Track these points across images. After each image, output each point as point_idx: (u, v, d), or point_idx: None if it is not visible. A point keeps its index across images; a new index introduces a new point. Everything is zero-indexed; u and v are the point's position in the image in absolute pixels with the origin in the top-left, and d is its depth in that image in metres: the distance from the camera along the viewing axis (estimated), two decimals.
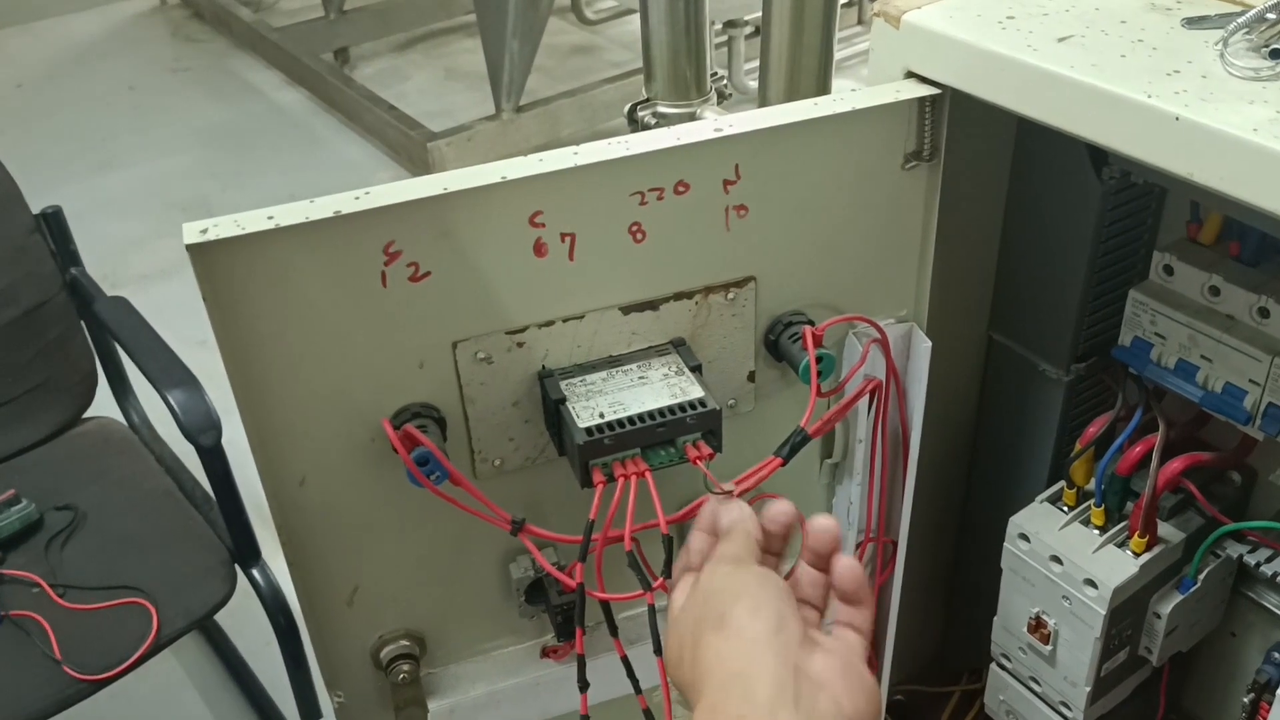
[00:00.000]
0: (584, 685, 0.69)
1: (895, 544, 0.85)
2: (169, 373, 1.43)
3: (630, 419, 0.66)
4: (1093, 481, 0.82)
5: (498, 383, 0.69)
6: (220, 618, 1.56)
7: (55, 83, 3.89)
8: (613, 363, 0.70)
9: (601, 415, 0.66)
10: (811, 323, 0.73)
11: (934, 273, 0.77)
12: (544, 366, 0.69)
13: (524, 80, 2.99)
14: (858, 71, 2.99)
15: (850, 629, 0.56)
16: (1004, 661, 0.89)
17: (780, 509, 0.60)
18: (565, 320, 0.69)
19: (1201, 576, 0.82)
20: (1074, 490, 0.83)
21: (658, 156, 0.65)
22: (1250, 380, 0.75)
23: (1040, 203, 0.84)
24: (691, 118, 1.09)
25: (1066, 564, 0.80)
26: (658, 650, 0.65)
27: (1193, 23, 0.67)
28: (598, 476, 0.66)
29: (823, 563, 0.58)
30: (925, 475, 0.82)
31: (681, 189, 0.67)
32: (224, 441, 1.40)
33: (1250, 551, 0.82)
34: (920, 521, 0.84)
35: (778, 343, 0.74)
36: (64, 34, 4.22)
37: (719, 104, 1.13)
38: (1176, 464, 0.79)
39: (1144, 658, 0.85)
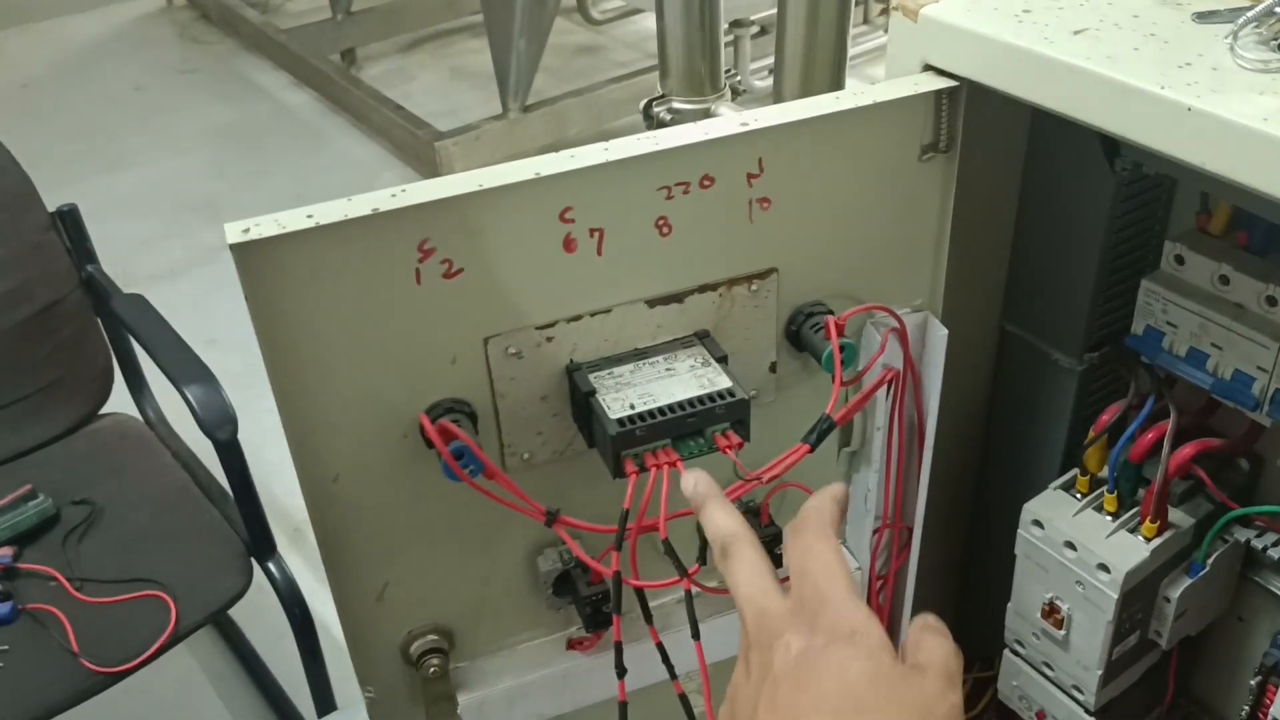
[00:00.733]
0: (622, 671, 0.70)
1: (911, 530, 0.86)
2: (186, 369, 1.45)
3: (661, 409, 0.67)
4: (1105, 468, 0.84)
5: (527, 377, 0.70)
6: (234, 612, 1.57)
7: (61, 83, 3.91)
8: (639, 355, 0.72)
9: (632, 406, 0.67)
10: (832, 313, 0.75)
11: (948, 263, 0.79)
12: (572, 360, 0.71)
13: (531, 80, 3.01)
14: (864, 70, 3.00)
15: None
16: (1017, 647, 0.90)
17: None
18: (593, 314, 0.70)
19: (1210, 561, 0.83)
20: (1087, 477, 0.85)
21: (686, 151, 0.66)
22: (1259, 367, 0.76)
23: (1054, 194, 0.86)
24: (706, 114, 1.11)
25: (1080, 549, 0.82)
26: (695, 635, 0.67)
27: (1203, 17, 0.68)
28: (630, 467, 0.67)
29: None
30: (939, 463, 0.84)
31: (707, 183, 0.68)
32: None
33: (1258, 536, 0.84)
34: (934, 509, 0.86)
35: (799, 333, 0.75)
36: (69, 35, 4.23)
37: (733, 100, 1.14)
38: (1187, 450, 0.81)
39: (1154, 641, 0.86)
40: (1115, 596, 0.80)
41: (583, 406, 0.70)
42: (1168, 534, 0.81)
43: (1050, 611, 0.85)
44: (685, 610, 0.69)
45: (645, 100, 1.12)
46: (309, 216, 0.60)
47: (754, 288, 0.73)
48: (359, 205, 0.61)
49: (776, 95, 1.07)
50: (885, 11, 3.27)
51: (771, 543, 0.77)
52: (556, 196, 0.65)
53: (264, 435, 1.56)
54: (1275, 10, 0.64)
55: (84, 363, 1.67)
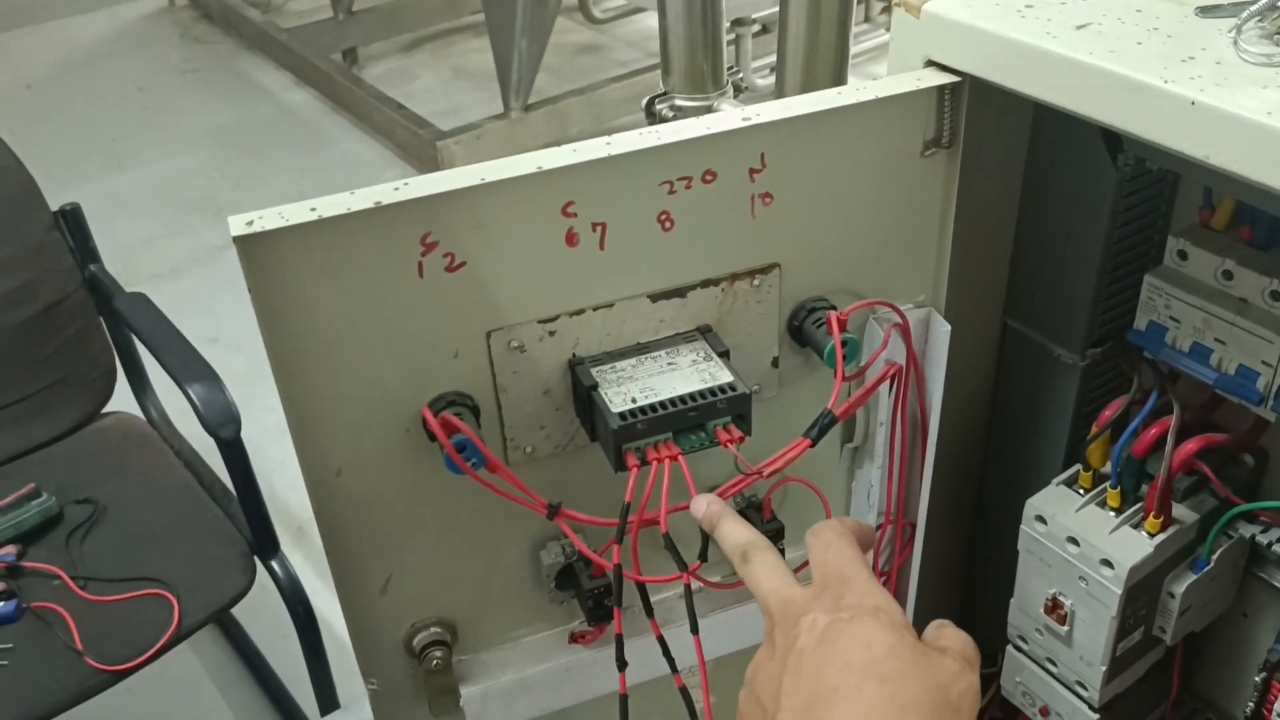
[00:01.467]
0: (622, 664, 0.71)
1: (914, 526, 0.86)
2: (189, 367, 1.45)
3: (662, 404, 0.68)
4: (1108, 464, 0.84)
5: (530, 371, 0.70)
6: (236, 611, 1.58)
7: (64, 84, 3.91)
8: (641, 350, 0.72)
9: (634, 400, 0.68)
10: (834, 308, 0.75)
11: (950, 259, 0.79)
12: (574, 354, 0.71)
13: (532, 79, 3.01)
14: (866, 69, 3.00)
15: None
16: (1020, 643, 0.90)
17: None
18: (595, 309, 0.70)
19: (1215, 557, 0.83)
20: (1090, 473, 0.85)
21: (688, 145, 0.66)
22: (1263, 362, 0.76)
23: (1056, 190, 0.86)
24: (709, 111, 1.11)
25: (1083, 545, 0.81)
26: (694, 629, 0.67)
27: (1206, 11, 0.68)
28: (631, 461, 0.67)
29: None
30: (941, 459, 0.84)
31: (709, 178, 0.68)
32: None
33: (1262, 532, 0.83)
34: (936, 505, 0.86)
35: (801, 328, 0.75)
36: (72, 35, 4.24)
37: (736, 98, 1.14)
38: (1191, 445, 0.81)
39: (1158, 637, 0.86)
40: (1119, 592, 0.80)
41: (585, 400, 0.70)
42: (1172, 530, 0.81)
43: (1053, 607, 0.85)
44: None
45: (648, 98, 1.12)
46: (312, 210, 0.60)
47: (756, 283, 0.73)
48: (361, 199, 0.61)
49: (779, 93, 1.07)
50: (887, 10, 3.27)
51: (774, 537, 0.78)
52: (559, 191, 0.65)
53: (266, 434, 1.57)
54: (1278, 4, 0.64)
55: (87, 362, 1.67)
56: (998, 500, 1.03)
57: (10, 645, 1.34)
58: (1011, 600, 0.89)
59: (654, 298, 0.71)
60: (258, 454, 1.46)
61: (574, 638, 0.82)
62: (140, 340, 1.59)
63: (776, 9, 1.03)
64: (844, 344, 0.71)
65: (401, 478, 0.71)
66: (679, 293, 0.72)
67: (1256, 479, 0.86)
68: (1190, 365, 0.80)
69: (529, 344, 0.69)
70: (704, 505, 0.65)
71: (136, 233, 2.96)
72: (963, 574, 1.10)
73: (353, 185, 0.63)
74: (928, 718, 0.48)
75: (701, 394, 0.68)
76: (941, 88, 0.71)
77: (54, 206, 1.66)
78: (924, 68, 0.73)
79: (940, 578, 1.06)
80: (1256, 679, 0.85)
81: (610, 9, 3.74)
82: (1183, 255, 0.80)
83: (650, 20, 3.74)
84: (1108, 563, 0.80)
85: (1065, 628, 0.84)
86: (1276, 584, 0.86)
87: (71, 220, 1.66)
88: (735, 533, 0.62)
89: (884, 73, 0.76)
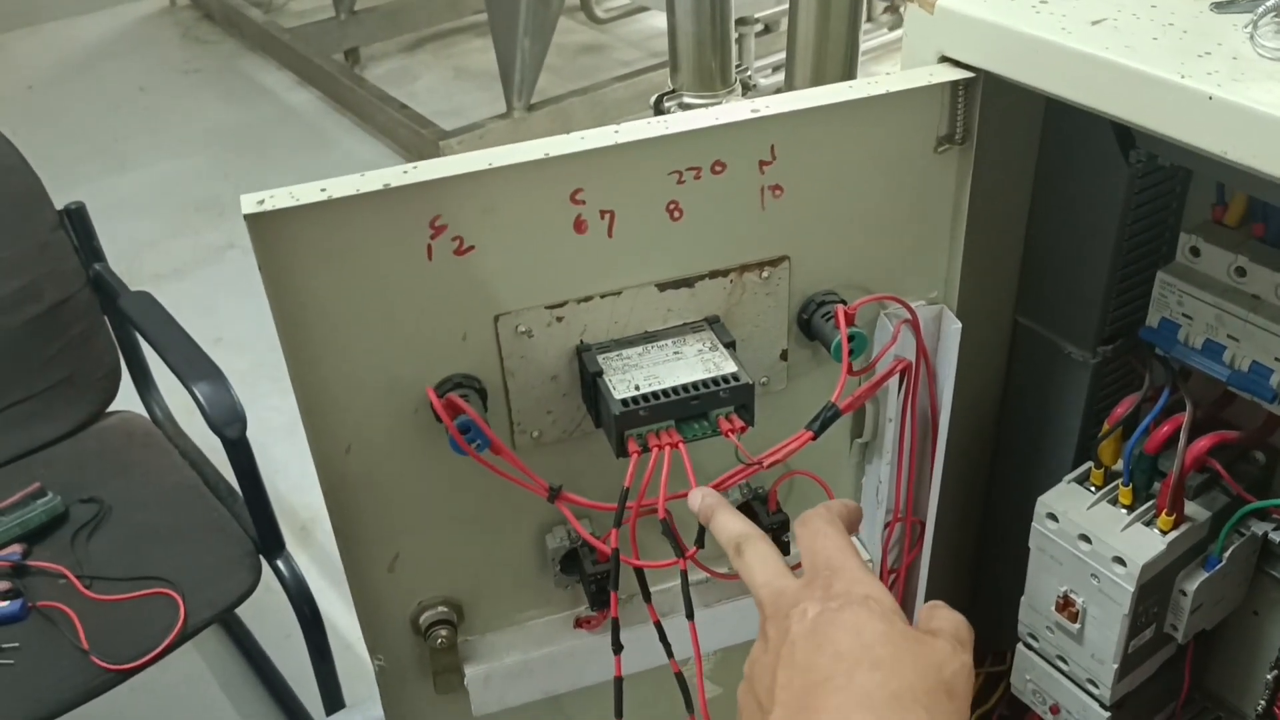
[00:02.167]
0: (618, 647, 0.71)
1: (923, 523, 0.86)
2: (194, 366, 1.45)
3: (665, 391, 0.68)
4: (1120, 461, 0.83)
5: (537, 356, 0.70)
6: (242, 610, 1.58)
7: (65, 84, 3.91)
8: (648, 338, 0.72)
9: (637, 388, 0.68)
10: (844, 302, 0.74)
11: (962, 256, 0.78)
12: (582, 341, 0.71)
13: (535, 79, 3.01)
14: (868, 67, 3.00)
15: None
16: (1031, 641, 0.90)
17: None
18: (603, 296, 0.70)
19: (1227, 554, 0.83)
20: (1101, 470, 0.84)
21: (696, 136, 0.66)
22: (1276, 358, 0.76)
23: (1068, 186, 0.86)
24: None
25: (1095, 542, 0.81)
26: (690, 615, 0.67)
27: (1221, 6, 0.68)
28: (632, 447, 0.68)
29: None
30: (951, 457, 0.84)
31: (719, 168, 0.68)
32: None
33: (1274, 529, 0.83)
34: (946, 502, 0.85)
35: (810, 322, 0.75)
36: (73, 36, 4.24)
37: (744, 96, 1.14)
38: (1203, 442, 0.80)
39: (1169, 635, 0.86)
40: (1131, 590, 0.79)
41: (590, 386, 0.70)
42: (1184, 527, 0.81)
43: (1065, 605, 0.85)
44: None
45: (656, 95, 1.11)
46: (322, 190, 0.61)
47: (765, 275, 0.73)
48: (371, 180, 0.62)
49: (788, 88, 1.06)
50: (890, 9, 3.28)
51: (779, 530, 0.77)
52: (566, 177, 0.65)
53: (271, 433, 1.57)
54: None
55: (92, 361, 1.67)
56: (1008, 498, 1.02)
57: (16, 644, 1.34)
58: (1022, 598, 0.89)
59: (662, 287, 0.71)
60: (262, 454, 1.46)
61: (578, 622, 0.83)
62: (145, 339, 1.59)
63: (778, 9, 1.03)
64: (851, 338, 0.71)
65: (409, 458, 0.71)
66: (687, 283, 0.72)
67: (1268, 476, 0.86)
68: (1203, 362, 0.79)
69: (536, 329, 0.69)
70: (699, 498, 0.66)
71: (139, 233, 2.96)
72: (973, 571, 1.10)
73: None
74: (921, 701, 0.48)
75: (704, 383, 0.68)
76: (955, 83, 0.71)
77: (58, 207, 1.66)
78: (938, 63, 0.73)
79: (950, 575, 1.05)
80: (1268, 677, 0.85)
81: (613, 9, 3.74)
82: (1195, 252, 0.79)
83: (653, 20, 3.74)
84: (1120, 560, 0.80)
85: (1076, 625, 0.84)
86: None
87: (76, 220, 1.66)
88: (730, 525, 0.62)
89: (887, 71, 0.75)
